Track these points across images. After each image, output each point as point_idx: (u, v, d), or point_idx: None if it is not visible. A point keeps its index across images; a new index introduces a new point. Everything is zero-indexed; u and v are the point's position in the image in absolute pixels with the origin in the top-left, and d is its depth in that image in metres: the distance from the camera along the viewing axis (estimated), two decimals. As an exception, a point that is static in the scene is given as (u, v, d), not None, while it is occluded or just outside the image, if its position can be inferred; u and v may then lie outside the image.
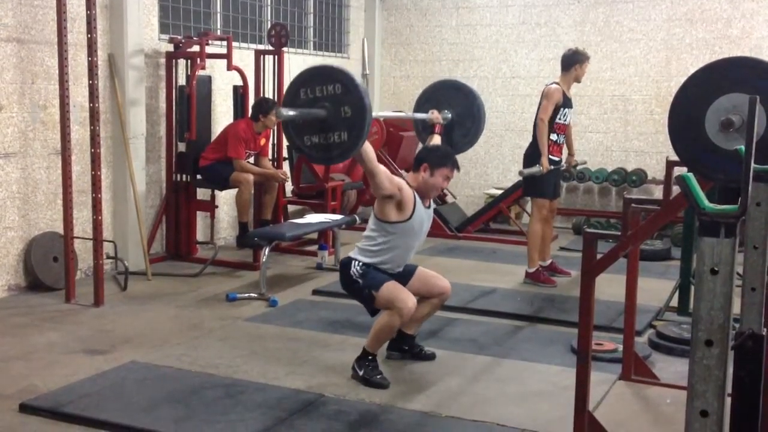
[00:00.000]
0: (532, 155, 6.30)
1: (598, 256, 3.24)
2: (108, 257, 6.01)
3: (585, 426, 3.26)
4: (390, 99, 10.18)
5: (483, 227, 8.77)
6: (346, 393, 3.98)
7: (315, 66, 4.07)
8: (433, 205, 4.39)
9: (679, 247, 6.48)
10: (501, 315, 5.48)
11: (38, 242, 5.83)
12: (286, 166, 7.77)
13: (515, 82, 9.51)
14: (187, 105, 6.68)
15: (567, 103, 6.29)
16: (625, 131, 9.08)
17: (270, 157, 7.33)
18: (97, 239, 5.57)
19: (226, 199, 7.53)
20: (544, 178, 6.22)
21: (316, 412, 3.72)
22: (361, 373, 4.12)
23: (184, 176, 6.94)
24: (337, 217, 6.94)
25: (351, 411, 3.76)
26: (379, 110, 9.84)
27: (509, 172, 9.46)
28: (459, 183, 9.72)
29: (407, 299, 4.04)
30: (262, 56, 7.44)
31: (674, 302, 5.55)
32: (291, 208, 8.04)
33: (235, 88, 7.21)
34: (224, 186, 6.85)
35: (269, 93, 7.40)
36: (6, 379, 4.10)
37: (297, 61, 8.52)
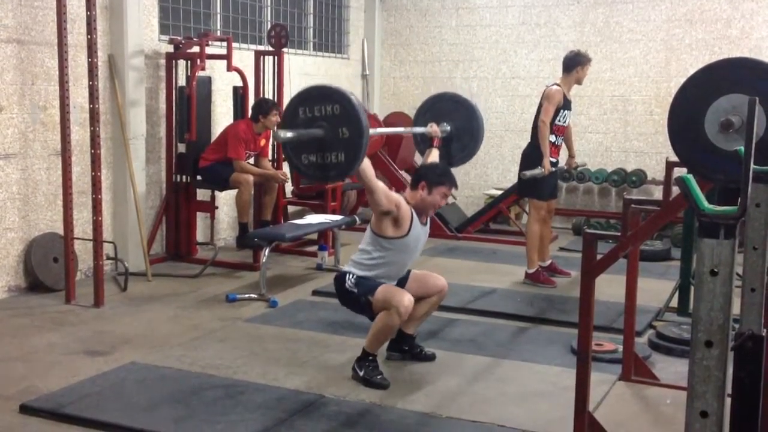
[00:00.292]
0: (530, 156, 6.30)
1: (598, 257, 3.25)
2: (108, 258, 6.01)
3: (585, 426, 3.26)
4: (390, 99, 10.18)
5: (483, 228, 8.77)
6: (347, 393, 3.98)
7: (314, 85, 4.10)
8: (429, 222, 4.41)
9: (678, 247, 6.48)
10: (501, 315, 5.48)
11: (38, 243, 5.83)
12: (285, 167, 7.75)
13: (515, 83, 9.52)
14: (187, 106, 6.68)
15: (567, 104, 6.30)
16: (624, 132, 9.09)
17: (270, 157, 7.33)
18: (97, 240, 5.57)
19: (226, 199, 7.53)
20: (542, 179, 6.22)
21: (317, 413, 3.72)
22: (361, 373, 4.12)
23: (184, 177, 6.94)
24: (337, 217, 6.94)
25: (351, 411, 3.76)
26: (379, 111, 9.84)
27: (509, 173, 9.46)
28: (459, 183, 9.70)
29: (403, 297, 4.05)
30: (261, 57, 7.45)
31: (674, 303, 5.55)
32: (291, 208, 8.04)
33: (235, 89, 7.21)
34: (224, 187, 6.85)
35: (269, 94, 7.40)
36: (6, 380, 4.11)
37: (297, 62, 8.54)
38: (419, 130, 5.13)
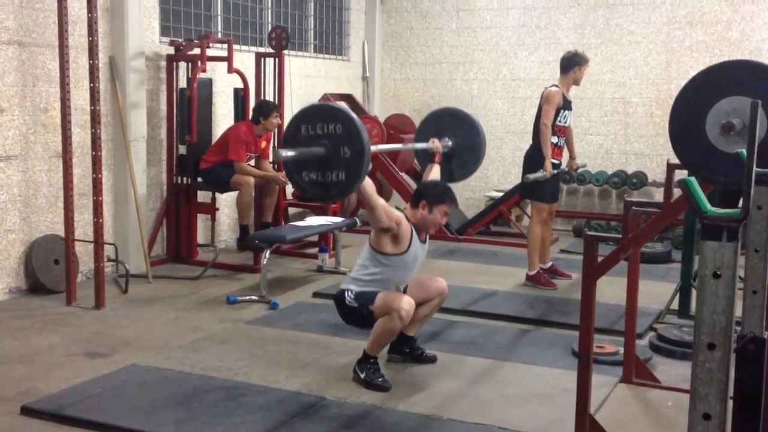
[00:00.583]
0: (532, 158, 6.30)
1: (599, 259, 3.25)
2: (109, 260, 6.01)
3: (586, 429, 3.26)
4: (390, 101, 10.19)
5: (483, 230, 8.76)
6: (347, 396, 3.98)
7: (318, 103, 4.12)
8: (428, 239, 4.41)
9: (679, 249, 6.48)
10: (501, 318, 5.48)
11: (39, 245, 5.83)
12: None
13: (515, 85, 9.52)
14: (188, 108, 6.68)
15: (567, 105, 6.30)
16: (625, 134, 9.09)
17: (270, 159, 7.33)
18: (98, 242, 5.57)
19: (226, 201, 7.53)
20: (543, 181, 6.22)
21: (317, 415, 3.72)
22: (362, 375, 4.12)
23: (184, 179, 6.94)
24: (338, 219, 6.94)
25: (352, 414, 3.76)
26: (380, 113, 9.84)
27: (510, 175, 9.47)
28: (459, 185, 9.65)
29: (403, 301, 4.04)
30: (262, 59, 7.45)
31: (675, 305, 5.55)
32: (291, 210, 8.04)
33: (236, 91, 7.21)
34: (225, 188, 6.85)
35: (270, 95, 7.40)
36: (7, 381, 4.11)
37: (297, 64, 8.55)
38: (421, 146, 5.14)
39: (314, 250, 7.28)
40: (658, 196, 8.44)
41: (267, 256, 5.94)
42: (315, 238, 7.32)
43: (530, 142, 6.45)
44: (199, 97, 6.77)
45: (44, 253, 5.84)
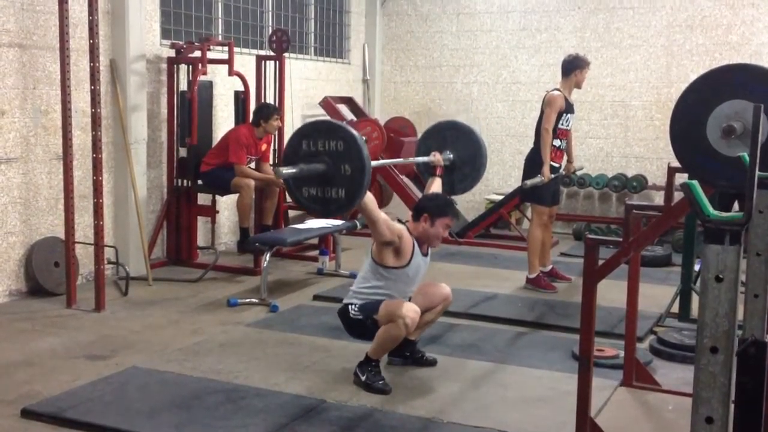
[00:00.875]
0: (533, 161, 6.30)
1: (600, 262, 3.25)
2: (109, 262, 6.01)
3: (587, 432, 3.26)
4: (391, 105, 10.19)
5: (484, 233, 8.76)
6: (348, 399, 3.98)
7: (320, 120, 4.15)
8: (430, 253, 4.41)
9: (679, 253, 6.48)
10: (502, 321, 5.48)
11: (39, 247, 5.83)
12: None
13: (516, 88, 9.53)
14: (189, 110, 6.68)
15: (569, 108, 6.31)
16: (625, 137, 9.09)
17: (271, 162, 7.34)
18: (99, 244, 5.57)
19: (227, 204, 7.53)
20: (544, 185, 6.22)
21: (318, 418, 3.72)
22: (363, 378, 4.12)
23: (185, 181, 6.94)
24: (338, 222, 6.93)
25: (352, 417, 3.76)
26: (380, 116, 9.84)
27: (510, 178, 9.47)
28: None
29: (408, 308, 4.04)
30: (263, 62, 7.45)
31: (675, 308, 5.55)
32: (292, 213, 8.04)
33: (237, 94, 7.22)
34: (225, 191, 6.85)
35: (270, 98, 7.41)
36: (7, 384, 4.10)
37: (298, 67, 8.55)
38: (422, 159, 5.14)
39: (314, 253, 7.28)
40: (658, 199, 8.45)
41: (267, 258, 5.94)
42: (315, 241, 7.32)
43: (530, 145, 6.46)
44: (200, 99, 6.77)
45: (44, 256, 5.84)
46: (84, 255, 6.06)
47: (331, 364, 4.52)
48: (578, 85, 6.40)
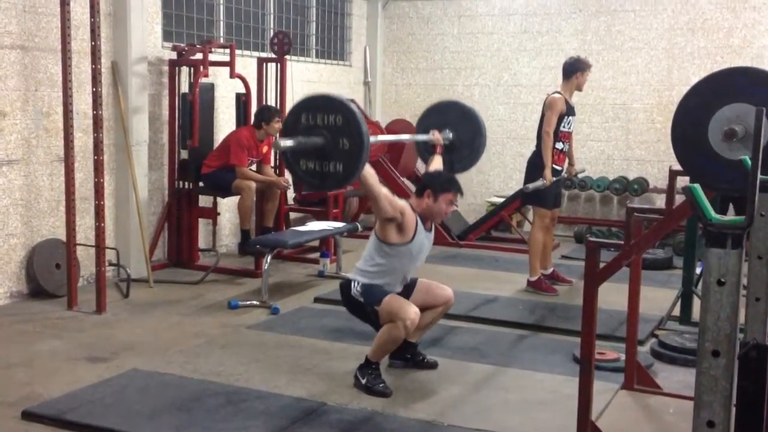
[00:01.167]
0: (535, 164, 6.30)
1: (601, 265, 3.24)
2: (110, 264, 6.01)
3: (588, 435, 3.25)
4: (392, 107, 10.19)
5: (484, 235, 8.77)
6: (348, 401, 3.97)
7: (320, 94, 4.14)
8: (434, 228, 4.41)
9: (681, 255, 6.48)
10: (503, 323, 5.47)
11: (41, 249, 5.83)
12: (287, 174, 7.77)
13: (517, 91, 9.53)
14: (190, 112, 6.68)
15: (570, 111, 6.30)
16: (626, 140, 9.09)
17: (272, 164, 7.34)
18: (100, 246, 5.57)
19: (228, 206, 7.53)
20: (546, 188, 6.21)
21: (318, 421, 3.72)
22: (363, 381, 4.11)
23: (186, 183, 6.94)
24: (339, 224, 6.94)
25: (353, 419, 3.76)
26: (381, 118, 9.85)
27: (511, 180, 9.47)
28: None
29: (409, 310, 4.04)
30: (264, 64, 7.46)
31: (676, 311, 5.54)
32: (293, 215, 8.04)
33: (238, 96, 7.23)
34: (226, 193, 6.85)
35: (272, 101, 7.41)
36: (8, 386, 4.10)
37: (299, 69, 8.55)
38: (421, 137, 5.11)
39: (315, 255, 7.28)
40: (660, 202, 8.45)
41: (268, 260, 5.93)
42: (316, 243, 7.32)
43: (532, 147, 6.45)
44: (201, 102, 6.78)
45: (45, 258, 5.84)
46: (85, 257, 6.05)
47: (331, 366, 4.51)
48: (579, 88, 6.39)
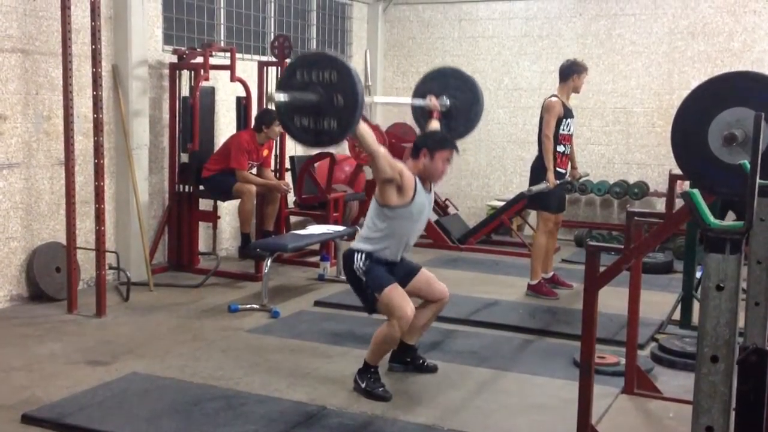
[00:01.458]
0: (538, 168, 6.29)
1: (601, 269, 3.24)
2: (110, 268, 6.01)
3: (588, 440, 3.25)
4: (392, 110, 10.18)
5: (485, 239, 8.76)
6: (348, 405, 3.97)
7: (316, 51, 4.11)
8: (433, 189, 4.36)
9: (681, 259, 6.47)
10: (503, 327, 5.46)
11: (41, 252, 5.83)
12: (288, 177, 7.78)
13: (517, 94, 9.53)
14: (191, 116, 6.69)
15: (568, 113, 6.30)
16: (626, 144, 9.09)
17: (272, 168, 7.34)
18: (100, 250, 5.57)
19: (228, 209, 7.54)
20: (549, 191, 6.20)
21: (318, 425, 3.71)
22: (363, 385, 4.11)
23: (186, 187, 6.95)
24: (339, 228, 6.94)
25: (353, 423, 3.75)
26: (382, 122, 9.84)
27: (511, 184, 9.47)
28: (461, 194, 9.73)
29: (406, 307, 4.04)
30: (265, 67, 7.46)
31: (677, 315, 5.54)
32: (293, 219, 8.04)
33: (238, 99, 7.23)
34: (227, 197, 6.86)
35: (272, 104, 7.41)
36: (8, 389, 4.10)
37: (300, 73, 8.54)
38: (418, 102, 5.05)
39: (316, 259, 7.28)
40: (660, 206, 8.45)
41: (268, 264, 5.93)
42: (316, 247, 7.32)
43: (532, 151, 6.45)
44: (202, 105, 6.78)
45: (46, 261, 5.84)
46: (85, 260, 6.06)
47: (331, 370, 4.51)
48: (576, 90, 6.39)
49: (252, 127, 6.90)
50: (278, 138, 7.14)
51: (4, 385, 4.16)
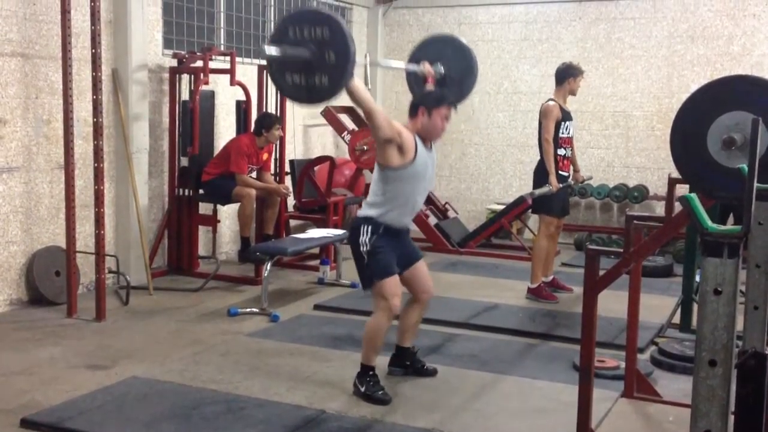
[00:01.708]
0: (540, 172, 6.28)
1: (601, 273, 3.24)
2: (110, 271, 6.01)
3: (587, 444, 3.25)
4: (392, 114, 10.07)
5: (485, 242, 8.76)
6: (348, 409, 3.97)
7: (308, 8, 4.10)
8: (435, 148, 4.34)
9: (681, 263, 6.47)
10: (503, 331, 5.46)
11: (40, 256, 5.84)
12: (288, 181, 7.78)
13: (517, 98, 9.54)
14: (190, 120, 6.70)
15: (566, 116, 6.30)
16: (626, 147, 9.10)
17: (272, 171, 7.35)
18: (100, 254, 5.57)
19: (228, 213, 7.54)
20: (553, 195, 6.20)
21: (318, 429, 3.71)
22: (362, 389, 4.11)
23: (186, 191, 6.94)
24: (339, 231, 6.94)
25: (352, 427, 3.75)
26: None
27: (511, 188, 9.47)
28: (461, 198, 9.73)
29: (396, 300, 4.10)
30: (265, 71, 7.46)
31: (676, 319, 5.54)
32: (293, 222, 8.04)
33: (238, 103, 7.24)
34: (226, 200, 6.86)
35: (272, 108, 7.42)
36: (7, 393, 4.10)
37: (300, 77, 8.55)
38: (412, 67, 5.03)
39: (315, 263, 7.28)
40: (660, 209, 8.45)
41: (268, 268, 5.93)
42: (316, 251, 7.32)
43: (531, 155, 6.46)
44: (202, 109, 6.79)
45: (45, 265, 5.84)
46: (85, 264, 6.06)
47: (331, 374, 4.51)
48: (573, 93, 6.39)
49: (252, 130, 6.90)
50: (278, 142, 7.14)
51: (4, 389, 4.16)
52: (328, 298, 6.26)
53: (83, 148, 6.00)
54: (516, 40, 9.51)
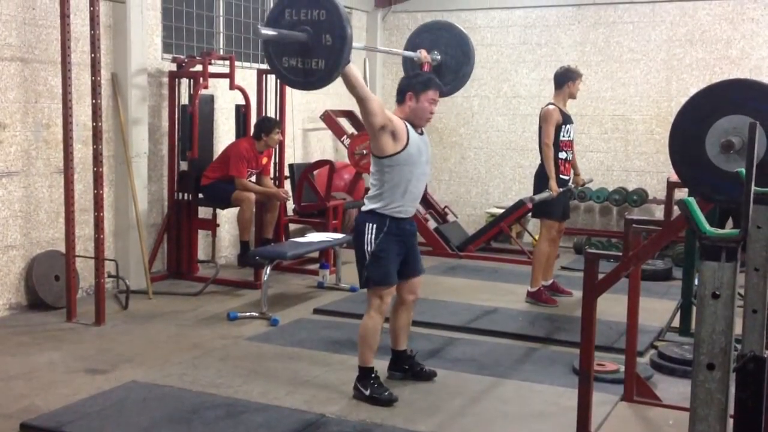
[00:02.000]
0: (541, 176, 6.27)
1: (600, 276, 3.25)
2: (109, 276, 6.01)
3: (587, 447, 3.25)
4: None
5: (484, 246, 8.76)
6: (348, 413, 3.96)
7: None
8: (426, 133, 4.34)
9: (680, 266, 6.47)
10: (502, 335, 5.46)
11: (40, 261, 5.83)
12: (287, 185, 7.78)
13: (516, 102, 9.55)
14: (190, 124, 6.70)
15: (566, 119, 6.30)
16: (625, 151, 9.11)
17: (271, 176, 7.35)
18: (99, 258, 5.57)
19: (227, 217, 7.54)
20: (553, 199, 6.19)
21: (317, 433, 3.71)
22: (367, 392, 4.10)
23: (185, 195, 6.95)
24: (339, 235, 6.94)
25: (352, 431, 3.74)
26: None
27: (510, 191, 9.48)
28: (460, 201, 9.74)
29: (385, 307, 4.17)
30: (264, 75, 7.47)
31: (676, 322, 5.54)
32: (292, 226, 8.04)
33: (238, 107, 7.24)
34: (226, 204, 6.86)
35: (271, 112, 7.43)
36: (7, 398, 4.10)
37: (299, 81, 8.56)
38: (409, 54, 5.00)
39: (315, 267, 7.28)
40: (659, 213, 8.46)
41: (267, 272, 5.93)
42: (316, 255, 7.32)
43: (531, 158, 6.45)
44: (201, 113, 6.79)
45: (45, 269, 5.84)
46: (84, 268, 6.06)
47: (330, 378, 4.50)
48: (572, 96, 6.39)
49: (251, 135, 6.90)
50: (277, 146, 7.15)
51: (3, 394, 4.16)
52: (328, 302, 6.26)
53: (83, 152, 6.01)
54: (515, 44, 9.53)
